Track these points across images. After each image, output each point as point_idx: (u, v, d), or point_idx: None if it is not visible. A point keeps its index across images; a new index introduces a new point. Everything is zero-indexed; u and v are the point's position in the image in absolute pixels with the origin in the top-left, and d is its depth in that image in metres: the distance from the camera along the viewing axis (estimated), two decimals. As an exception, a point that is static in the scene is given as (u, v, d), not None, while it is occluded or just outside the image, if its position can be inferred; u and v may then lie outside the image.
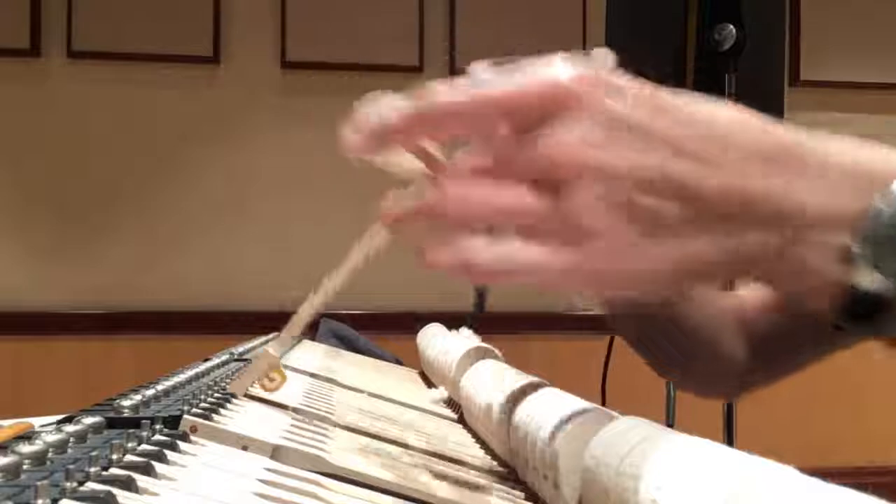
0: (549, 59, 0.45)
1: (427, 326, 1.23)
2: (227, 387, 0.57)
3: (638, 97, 0.44)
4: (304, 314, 0.56)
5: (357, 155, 0.48)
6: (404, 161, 0.48)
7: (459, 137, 0.47)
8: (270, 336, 1.16)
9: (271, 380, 0.57)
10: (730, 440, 1.82)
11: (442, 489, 0.45)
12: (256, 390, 0.59)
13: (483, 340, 0.89)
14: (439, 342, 1.02)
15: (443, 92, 0.45)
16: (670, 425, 1.94)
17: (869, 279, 0.43)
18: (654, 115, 0.44)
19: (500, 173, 0.44)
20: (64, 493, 0.30)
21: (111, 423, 0.45)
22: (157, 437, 0.41)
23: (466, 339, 0.97)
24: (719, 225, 0.43)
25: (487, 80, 0.45)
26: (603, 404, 0.47)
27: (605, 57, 0.49)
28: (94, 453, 0.35)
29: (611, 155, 0.43)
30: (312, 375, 0.83)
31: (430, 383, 1.06)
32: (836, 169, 0.44)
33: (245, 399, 0.57)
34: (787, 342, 0.83)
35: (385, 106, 0.46)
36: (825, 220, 0.44)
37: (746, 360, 0.86)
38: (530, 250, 0.43)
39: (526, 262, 0.43)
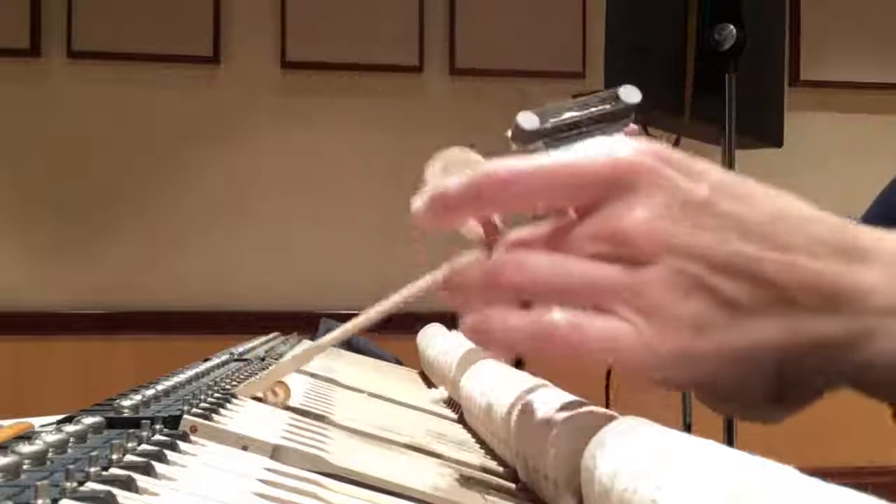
0: (610, 137, 0.44)
1: (427, 326, 1.23)
2: (234, 389, 0.57)
3: (707, 175, 0.43)
4: (339, 335, 0.56)
5: (425, 227, 0.46)
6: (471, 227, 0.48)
7: (524, 213, 0.46)
8: (270, 336, 1.16)
9: (275, 394, 0.58)
10: (730, 440, 1.82)
11: (442, 489, 0.45)
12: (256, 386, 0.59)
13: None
14: (439, 342, 1.02)
15: (509, 167, 0.43)
16: (688, 426, 1.94)
17: None
18: (724, 195, 0.43)
19: (563, 248, 0.43)
20: (64, 493, 0.30)
21: (111, 423, 0.45)
22: (157, 437, 0.41)
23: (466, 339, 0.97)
24: (793, 309, 0.42)
25: (552, 157, 0.44)
26: (606, 405, 0.47)
27: (632, 94, 0.49)
28: (94, 453, 0.35)
29: (686, 233, 0.42)
30: (312, 375, 0.83)
31: (430, 383, 1.06)
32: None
33: (245, 399, 0.57)
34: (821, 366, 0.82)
35: (450, 180, 0.45)
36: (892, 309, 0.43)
37: (777, 384, 0.86)
38: (606, 321, 0.41)
39: (602, 333, 0.41)
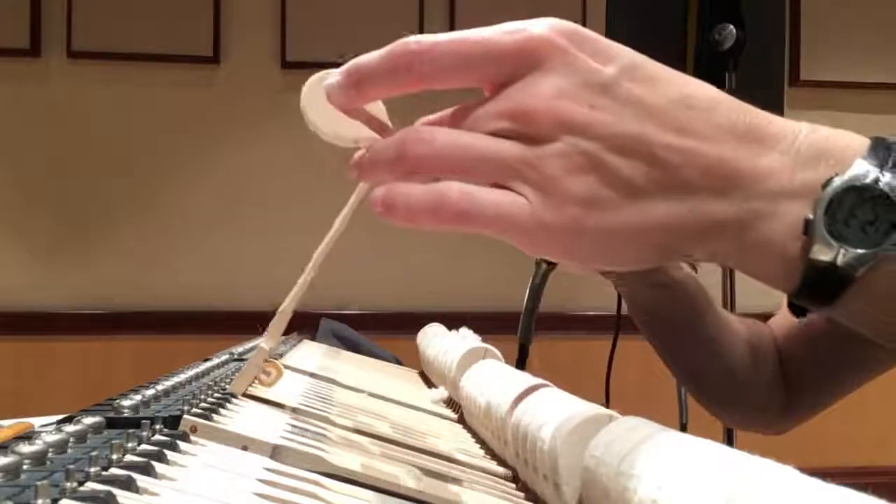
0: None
1: (427, 326, 1.23)
2: (227, 388, 0.57)
3: (615, 57, 0.44)
4: (297, 290, 0.56)
5: (340, 105, 0.47)
6: (354, 129, 0.48)
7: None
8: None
9: (267, 374, 0.57)
10: (730, 440, 1.82)
11: (442, 489, 0.45)
12: (255, 389, 0.59)
13: (483, 340, 0.89)
14: (439, 342, 1.02)
15: (423, 38, 0.45)
16: (684, 425, 1.94)
17: (826, 251, 0.43)
18: (630, 77, 0.44)
19: (469, 125, 0.44)
20: (64, 493, 0.30)
21: (111, 423, 0.45)
22: (157, 437, 0.41)
23: (466, 339, 0.97)
24: (687, 191, 0.43)
25: (465, 32, 0.45)
26: (607, 404, 0.47)
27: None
28: (94, 453, 0.35)
29: (585, 112, 0.43)
30: (312, 375, 0.83)
31: (430, 383, 1.06)
32: (806, 144, 0.44)
33: (245, 399, 0.57)
34: (824, 366, 0.83)
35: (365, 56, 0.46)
36: (789, 192, 0.43)
37: (782, 390, 0.87)
38: (500, 194, 0.43)
39: (494, 204, 0.43)
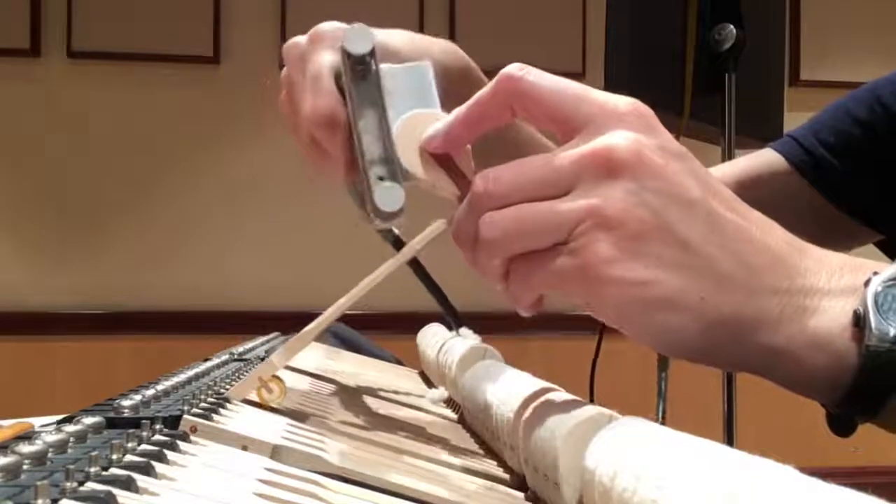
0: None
1: (427, 326, 1.23)
2: (226, 392, 0.56)
3: (700, 182, 0.45)
4: (330, 317, 0.56)
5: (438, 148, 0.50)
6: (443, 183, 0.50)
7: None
8: (270, 336, 1.16)
9: (269, 391, 0.57)
10: (730, 440, 1.82)
11: (442, 489, 0.45)
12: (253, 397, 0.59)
13: (483, 340, 0.89)
14: (439, 342, 1.02)
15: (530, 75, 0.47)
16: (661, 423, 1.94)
17: (881, 339, 0.43)
18: (691, 213, 0.44)
19: (546, 209, 0.45)
20: (64, 493, 0.30)
21: (111, 423, 0.45)
22: (157, 437, 0.41)
23: (466, 339, 0.97)
24: (746, 272, 0.44)
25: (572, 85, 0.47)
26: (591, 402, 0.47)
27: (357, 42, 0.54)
28: (94, 453, 0.35)
29: (659, 161, 0.44)
30: (312, 375, 0.83)
31: (430, 383, 1.06)
32: (840, 265, 0.46)
33: (239, 403, 0.57)
34: None
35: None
36: (835, 290, 0.45)
37: None
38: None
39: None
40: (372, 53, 0.55)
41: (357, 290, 0.55)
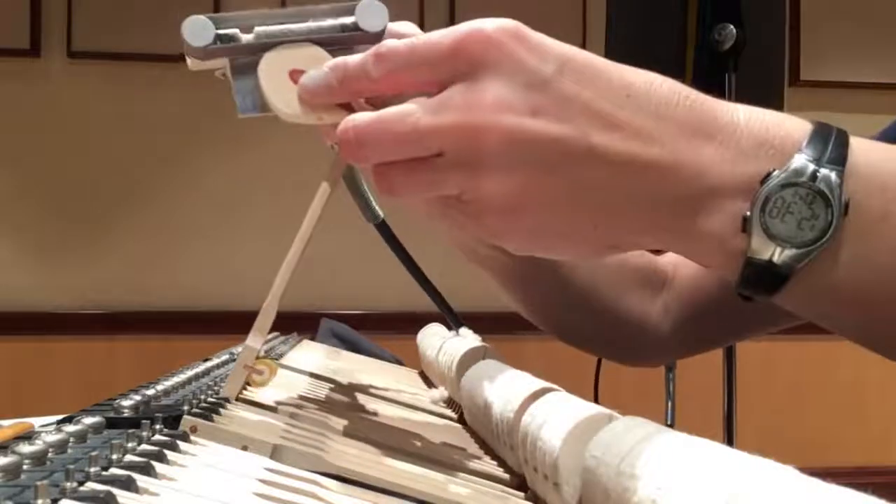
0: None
1: (427, 326, 1.23)
2: (221, 391, 0.56)
3: (554, 54, 0.45)
4: (282, 278, 0.55)
5: (315, 99, 0.50)
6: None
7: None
8: (270, 336, 1.16)
9: (259, 373, 0.56)
10: (730, 440, 1.82)
11: (442, 489, 0.46)
12: (252, 393, 0.59)
13: (483, 340, 0.89)
14: (439, 342, 1.02)
15: (361, 59, 0.47)
16: (670, 425, 1.94)
17: (764, 249, 0.43)
18: (572, 74, 0.44)
19: (409, 136, 0.46)
20: (64, 493, 0.30)
21: (111, 423, 0.45)
22: (157, 437, 0.41)
23: (466, 339, 0.97)
24: (627, 188, 0.44)
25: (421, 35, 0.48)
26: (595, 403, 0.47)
27: (374, 18, 0.51)
28: (94, 453, 0.35)
29: (532, 123, 0.43)
30: (312, 375, 0.83)
31: (430, 383, 1.06)
32: (747, 135, 0.45)
33: (235, 402, 0.56)
34: (730, 315, 0.79)
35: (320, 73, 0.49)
36: (730, 187, 0.44)
37: (673, 324, 0.82)
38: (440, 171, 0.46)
39: (426, 179, 0.46)
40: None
41: (294, 252, 0.56)
